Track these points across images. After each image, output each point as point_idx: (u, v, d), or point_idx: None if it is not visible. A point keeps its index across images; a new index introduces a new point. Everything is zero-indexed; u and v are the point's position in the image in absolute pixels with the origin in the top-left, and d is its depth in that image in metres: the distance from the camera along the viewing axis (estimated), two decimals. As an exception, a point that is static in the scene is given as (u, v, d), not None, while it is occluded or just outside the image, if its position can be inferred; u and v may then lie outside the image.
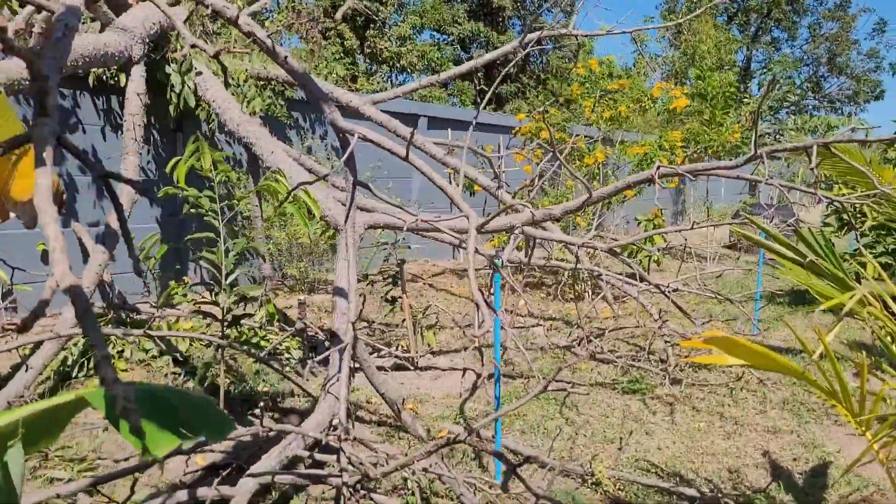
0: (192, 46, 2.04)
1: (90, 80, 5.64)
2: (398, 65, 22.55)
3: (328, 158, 7.98)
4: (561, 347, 5.76)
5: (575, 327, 6.50)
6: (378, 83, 21.73)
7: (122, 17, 4.86)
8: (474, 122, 4.52)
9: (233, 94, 6.26)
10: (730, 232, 14.54)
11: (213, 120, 6.34)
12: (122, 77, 5.48)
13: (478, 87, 27.15)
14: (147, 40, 4.95)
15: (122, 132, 5.91)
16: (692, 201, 17.04)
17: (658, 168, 3.48)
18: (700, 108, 11.91)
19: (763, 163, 3.45)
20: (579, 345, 5.80)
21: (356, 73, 22.53)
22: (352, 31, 21.92)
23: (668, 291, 5.17)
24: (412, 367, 5.01)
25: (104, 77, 5.73)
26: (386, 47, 22.21)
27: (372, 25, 22.16)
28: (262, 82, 6.87)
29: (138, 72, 4.74)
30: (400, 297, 5.03)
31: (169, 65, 5.54)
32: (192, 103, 5.58)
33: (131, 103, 4.65)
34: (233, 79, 6.26)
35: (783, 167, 22.05)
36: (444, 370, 5.06)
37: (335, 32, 21.97)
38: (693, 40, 20.26)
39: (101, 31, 4.67)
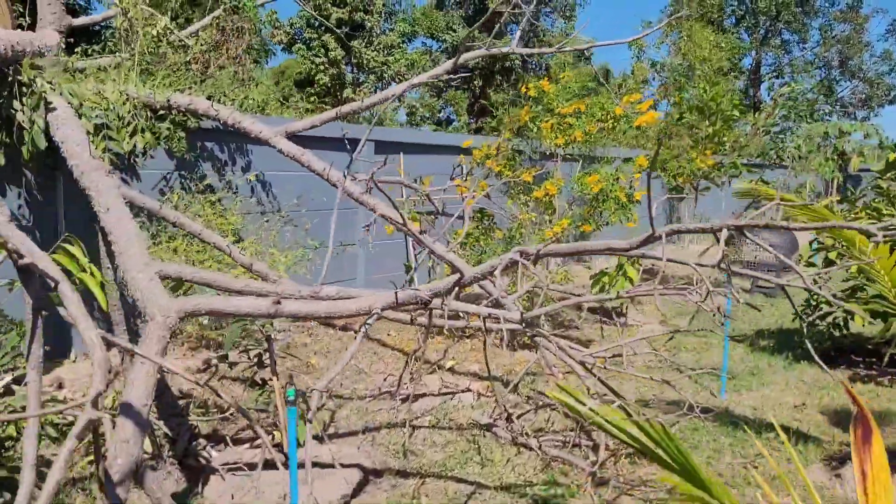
0: None
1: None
2: (386, 74, 21.74)
3: (251, 196, 7.16)
4: (481, 426, 4.90)
5: (509, 391, 5.65)
6: (365, 93, 20.93)
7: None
8: (363, 142, 3.69)
9: (114, 128, 5.47)
10: (723, 251, 13.59)
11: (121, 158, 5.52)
12: None
13: (476, 94, 26.31)
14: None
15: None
16: (687, 219, 16.09)
17: (520, 254, 2.62)
18: (695, 121, 10.98)
19: (663, 243, 2.63)
20: (507, 421, 4.94)
21: (343, 84, 21.76)
22: (337, 41, 21.17)
23: (591, 365, 4.26)
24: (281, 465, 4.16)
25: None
26: (372, 57, 21.42)
27: (358, 34, 21.39)
28: (161, 112, 6.07)
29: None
30: (270, 379, 4.19)
31: (18, 100, 4.74)
32: (43, 145, 4.76)
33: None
34: (111, 107, 5.46)
35: (790, 176, 20.92)
36: (324, 467, 4.21)
37: (319, 43, 21.22)
38: (691, 46, 19.35)
39: None
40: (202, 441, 4.38)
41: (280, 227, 6.54)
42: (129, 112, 5.56)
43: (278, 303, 3.20)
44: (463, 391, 5.65)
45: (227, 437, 4.35)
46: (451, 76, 6.14)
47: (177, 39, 7.50)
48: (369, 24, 21.69)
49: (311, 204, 7.17)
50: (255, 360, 4.11)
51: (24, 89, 4.75)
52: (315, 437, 4.51)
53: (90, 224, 4.72)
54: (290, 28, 21.77)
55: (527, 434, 4.67)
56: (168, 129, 6.06)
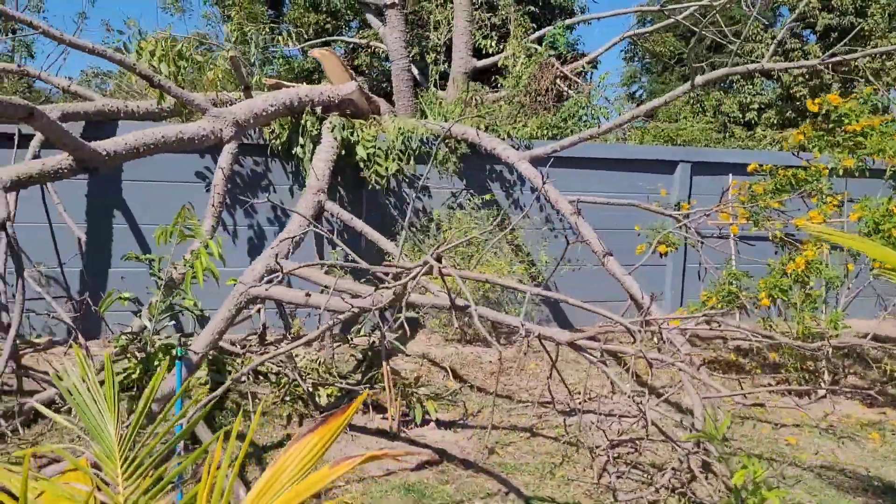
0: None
1: (269, 150, 6.92)
2: (881, 81, 19.10)
3: (541, 210, 7.92)
4: (591, 449, 4.89)
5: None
6: (846, 103, 18.76)
7: (234, 106, 6.07)
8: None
9: (382, 155, 6.94)
10: None
11: (385, 178, 7.07)
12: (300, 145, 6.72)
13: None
14: (250, 122, 6.05)
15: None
16: None
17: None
18: None
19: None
20: (636, 451, 4.83)
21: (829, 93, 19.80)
22: (822, 49, 19.47)
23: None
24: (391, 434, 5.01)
25: (289, 147, 6.91)
26: (864, 64, 19.05)
27: (848, 39, 19.23)
28: (446, 139, 7.36)
29: (228, 149, 5.85)
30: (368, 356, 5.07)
31: (301, 136, 6.54)
32: (308, 168, 6.45)
33: (216, 175, 5.79)
34: (390, 138, 6.95)
35: None
36: (413, 443, 4.91)
37: (800, 52, 19.70)
38: None
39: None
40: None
41: (537, 240, 7.25)
42: (401, 141, 6.98)
43: (308, 295, 4.19)
44: (636, 417, 5.53)
45: (370, 405, 5.39)
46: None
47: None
48: (867, 28, 19.40)
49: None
50: (370, 345, 5.05)
51: (307, 128, 6.54)
52: (435, 421, 5.23)
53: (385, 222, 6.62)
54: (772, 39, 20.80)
55: (619, 465, 4.58)
56: (445, 154, 7.30)
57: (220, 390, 3.49)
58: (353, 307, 3.84)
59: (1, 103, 3.98)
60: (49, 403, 4.71)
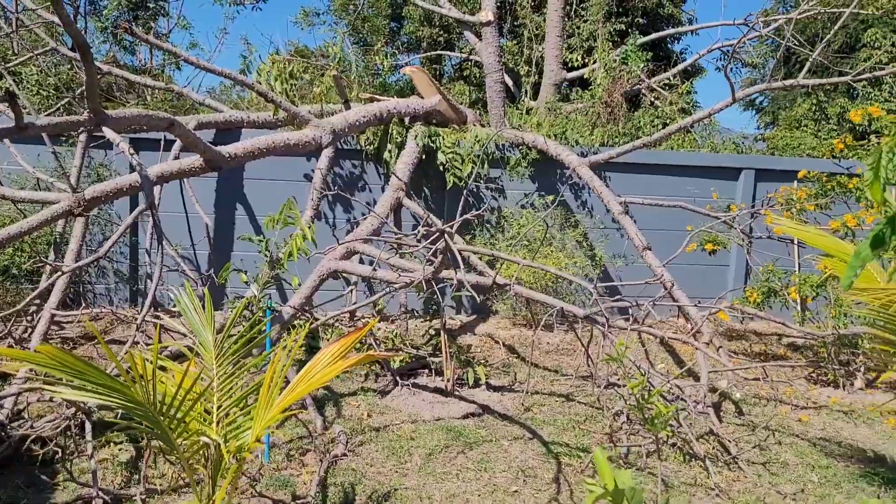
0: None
1: (365, 154, 8.10)
2: None
3: (607, 211, 8.67)
4: (615, 413, 5.66)
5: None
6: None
7: (332, 117, 7.25)
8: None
9: (457, 160, 7.94)
10: None
11: (462, 180, 8.08)
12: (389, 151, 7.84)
13: None
14: (345, 130, 7.21)
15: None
16: None
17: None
18: None
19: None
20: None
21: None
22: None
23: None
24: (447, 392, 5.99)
25: (379, 152, 8.07)
26: None
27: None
28: (520, 146, 8.28)
29: (326, 153, 7.01)
30: (439, 332, 6.05)
31: (389, 142, 7.65)
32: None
33: (315, 175, 6.97)
34: (477, 141, 7.94)
35: None
36: (463, 400, 5.86)
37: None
38: None
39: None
40: (423, 370, 6.53)
41: (598, 237, 8.05)
42: (477, 147, 7.96)
43: (375, 270, 5.26)
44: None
45: (433, 370, 6.39)
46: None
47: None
48: None
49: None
50: (430, 316, 6.04)
51: (393, 136, 7.64)
52: (486, 385, 6.16)
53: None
54: None
55: (633, 425, 5.36)
56: (517, 159, 8.22)
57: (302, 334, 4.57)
58: (400, 276, 4.86)
59: (150, 117, 5.27)
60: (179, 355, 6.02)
